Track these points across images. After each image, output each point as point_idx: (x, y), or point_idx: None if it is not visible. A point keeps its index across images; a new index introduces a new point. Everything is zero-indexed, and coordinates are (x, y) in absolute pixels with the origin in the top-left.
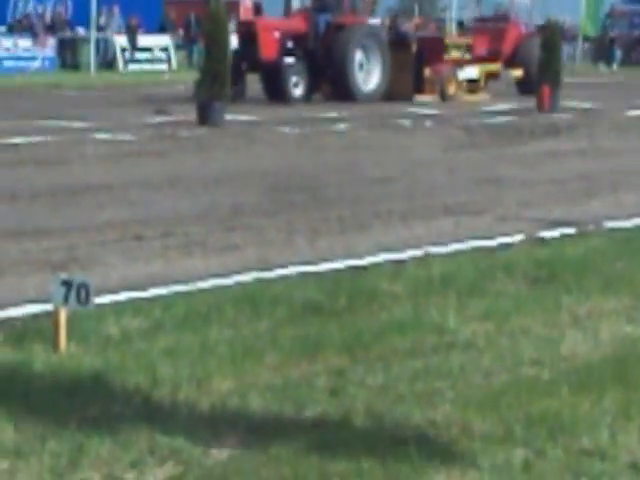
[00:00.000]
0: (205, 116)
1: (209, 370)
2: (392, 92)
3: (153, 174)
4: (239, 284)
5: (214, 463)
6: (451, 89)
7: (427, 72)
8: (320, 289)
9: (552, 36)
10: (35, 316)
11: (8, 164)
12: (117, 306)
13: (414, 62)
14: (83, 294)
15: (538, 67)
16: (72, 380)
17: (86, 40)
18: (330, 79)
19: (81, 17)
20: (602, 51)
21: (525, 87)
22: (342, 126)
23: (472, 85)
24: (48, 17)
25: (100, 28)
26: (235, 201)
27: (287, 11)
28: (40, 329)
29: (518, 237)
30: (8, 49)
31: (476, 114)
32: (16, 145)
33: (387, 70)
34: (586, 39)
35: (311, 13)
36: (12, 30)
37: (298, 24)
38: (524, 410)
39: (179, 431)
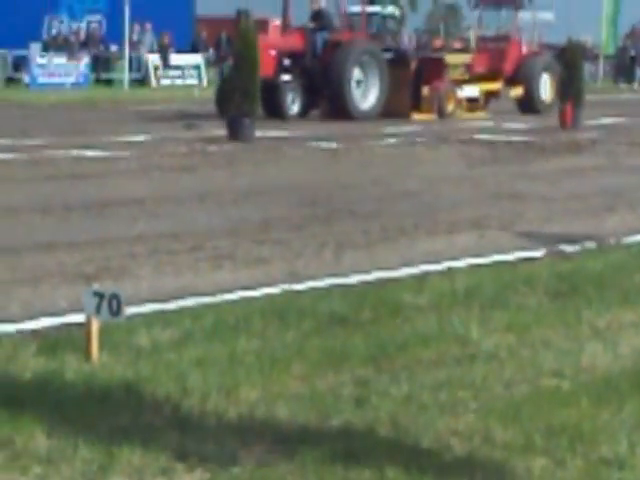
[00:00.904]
0: (235, 132)
1: (237, 380)
2: (389, 110)
3: (184, 189)
4: (267, 296)
5: (242, 470)
6: (449, 107)
7: (425, 90)
8: (346, 301)
9: (574, 55)
10: (68, 326)
11: (43, 178)
12: (148, 317)
13: (412, 80)
14: (115, 305)
15: (560, 85)
16: (104, 389)
17: (119, 57)
18: (327, 96)
19: (114, 34)
20: (623, 70)
21: (526, 106)
22: (371, 142)
23: (472, 104)
24: (82, 34)
25: (133, 45)
26: (264, 215)
27: (284, 28)
28: (73, 339)
29: (540, 251)
30: (43, 65)
31: (500, 131)
32: (51, 159)
33: (385, 88)
34: (607, 58)
35: (308, 30)
36: (47, 47)
37: (295, 41)
38: (544, 420)
39: (208, 439)
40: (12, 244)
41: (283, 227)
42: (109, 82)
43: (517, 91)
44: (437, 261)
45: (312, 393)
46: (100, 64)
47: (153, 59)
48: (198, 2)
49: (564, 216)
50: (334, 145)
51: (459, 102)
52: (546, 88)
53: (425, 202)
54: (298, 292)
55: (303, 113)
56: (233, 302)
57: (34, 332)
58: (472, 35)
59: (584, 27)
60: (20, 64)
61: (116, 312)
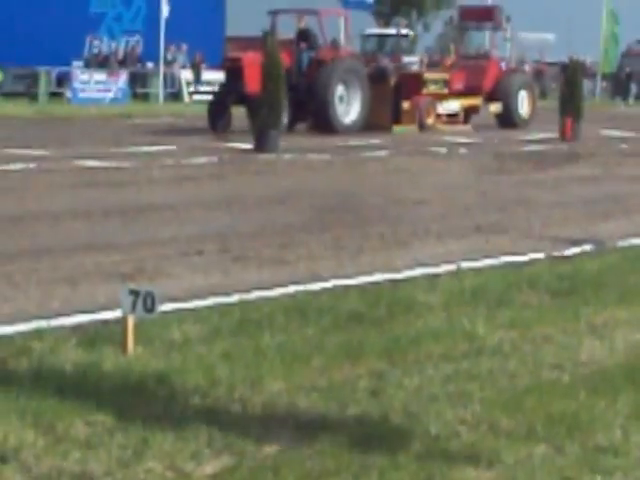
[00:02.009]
0: (261, 143)
1: (261, 372)
2: (371, 123)
3: (213, 195)
4: (289, 295)
5: (265, 456)
6: (429, 120)
7: (406, 105)
8: (362, 300)
9: (574, 73)
10: (105, 322)
11: (84, 185)
12: (179, 314)
13: (392, 95)
14: (149, 302)
15: (560, 100)
16: (138, 380)
17: (155, 74)
18: (312, 111)
19: (151, 53)
20: (619, 87)
21: (504, 121)
22: (383, 153)
23: (451, 118)
24: (121, 53)
25: (167, 63)
26: (287, 220)
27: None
28: (110, 334)
29: (542, 254)
30: (84, 81)
31: (505, 143)
32: (91, 168)
33: (366, 103)
34: (605, 76)
35: (294, 49)
36: (88, 64)
37: (282, 59)
38: (545, 410)
39: (234, 427)
40: (54, 246)
41: (304, 231)
42: (145, 97)
43: (496, 107)
44: (447, 263)
45: (330, 384)
46: (137, 80)
47: (186, 75)
48: (229, 24)
49: (565, 221)
50: (351, 156)
51: (439, 116)
52: (524, 104)
53: (437, 208)
54: (318, 291)
55: (290, 127)
56: (258, 300)
57: (74, 327)
58: (452, 52)
59: (584, 47)
60: (63, 80)
61: (150, 309)
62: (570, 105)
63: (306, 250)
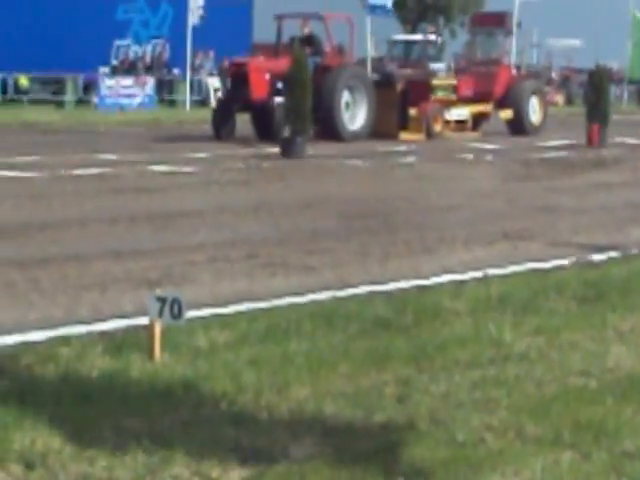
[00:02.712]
0: (288, 149)
1: (288, 378)
2: (377, 131)
3: (240, 201)
4: (316, 301)
5: (292, 462)
6: (437, 127)
7: (413, 111)
8: (389, 306)
9: (601, 79)
10: (133, 328)
11: (111, 192)
12: (206, 320)
13: (399, 102)
14: (176, 309)
15: (587, 106)
16: (165, 386)
17: (182, 80)
18: (318, 119)
19: (177, 59)
20: None
21: (515, 127)
22: (410, 159)
23: (460, 125)
24: (148, 59)
25: (194, 69)
26: (313, 226)
27: (276, 52)
28: (137, 340)
29: (569, 260)
30: (111, 88)
31: (532, 149)
32: (117, 174)
33: (372, 110)
34: (632, 82)
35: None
36: (115, 71)
37: (288, 65)
38: (572, 416)
39: (261, 433)
40: (82, 252)
41: (331, 237)
42: (172, 103)
43: (507, 113)
44: (473, 269)
45: (357, 391)
46: (164, 86)
47: (213, 82)
48: (255, 30)
49: (591, 227)
50: (378, 163)
51: (447, 123)
52: (535, 111)
53: (464, 215)
54: (345, 298)
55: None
56: (285, 307)
57: (101, 334)
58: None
59: (611, 53)
60: (90, 86)
61: (177, 315)
62: (597, 111)
63: (333, 256)
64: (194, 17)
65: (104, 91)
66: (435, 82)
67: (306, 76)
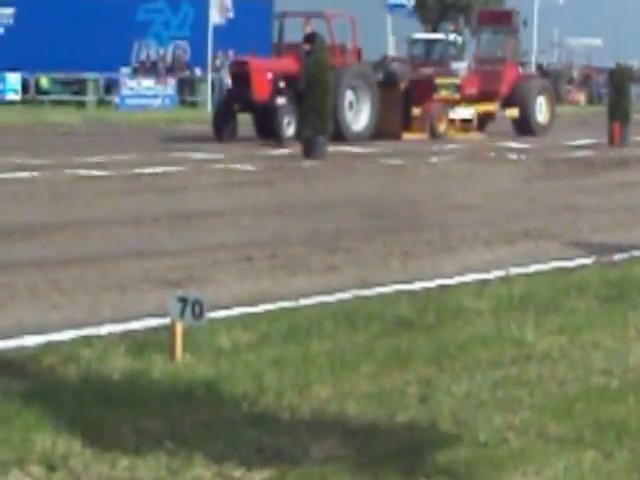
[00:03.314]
0: (309, 149)
1: (310, 379)
2: (381, 131)
3: (262, 201)
4: (338, 301)
5: (314, 463)
6: (441, 127)
7: (417, 111)
8: (411, 306)
9: (621, 78)
10: (154, 329)
11: (132, 192)
12: (228, 320)
13: (402, 101)
14: (197, 309)
15: (608, 106)
16: (187, 387)
17: (203, 80)
18: None
19: (198, 59)
20: None
21: (521, 127)
22: (433, 159)
23: (465, 124)
24: (169, 59)
25: (215, 69)
26: (336, 226)
27: (278, 52)
28: (158, 341)
29: (590, 259)
30: (132, 88)
31: (553, 148)
32: (139, 175)
33: (376, 110)
34: None
35: (302, 54)
36: (136, 71)
37: (290, 65)
38: (594, 416)
39: (283, 433)
40: (103, 253)
41: (353, 237)
42: (193, 103)
43: (513, 112)
44: (495, 268)
45: (379, 391)
46: (185, 87)
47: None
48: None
49: (613, 226)
50: (399, 162)
51: (451, 122)
52: (542, 110)
53: (486, 214)
54: (367, 297)
55: (298, 135)
56: (307, 306)
57: (123, 334)
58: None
59: (632, 52)
60: (111, 87)
61: (198, 316)
62: (618, 110)
63: (355, 256)
64: (222, 17)
65: (125, 92)
66: (438, 81)
67: (327, 76)
